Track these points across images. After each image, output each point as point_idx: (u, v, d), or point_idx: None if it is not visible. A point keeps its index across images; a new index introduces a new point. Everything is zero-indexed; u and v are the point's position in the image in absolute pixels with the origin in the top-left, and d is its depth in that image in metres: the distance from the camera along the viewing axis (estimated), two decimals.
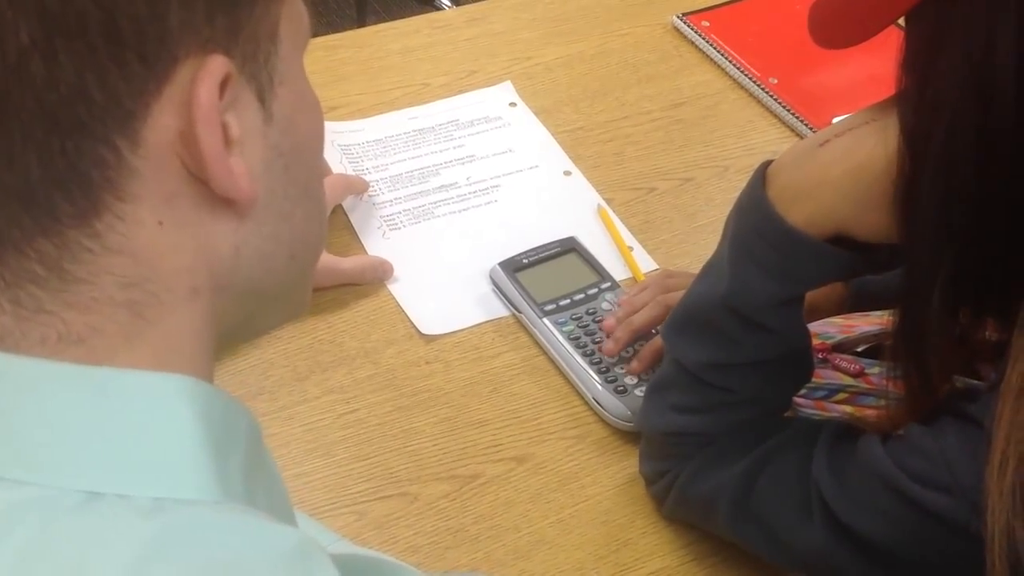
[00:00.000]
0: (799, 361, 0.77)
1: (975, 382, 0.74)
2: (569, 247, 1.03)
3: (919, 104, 0.63)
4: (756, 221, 0.72)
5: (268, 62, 0.43)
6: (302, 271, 0.50)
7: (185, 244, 0.42)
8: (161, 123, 0.40)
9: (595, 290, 0.99)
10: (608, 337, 0.93)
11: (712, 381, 0.75)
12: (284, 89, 0.44)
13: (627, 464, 0.89)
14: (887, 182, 0.65)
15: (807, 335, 0.76)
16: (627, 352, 0.93)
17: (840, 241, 0.70)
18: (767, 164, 0.73)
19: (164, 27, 0.39)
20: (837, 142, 0.69)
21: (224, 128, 0.41)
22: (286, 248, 0.47)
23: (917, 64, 0.63)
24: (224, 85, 0.40)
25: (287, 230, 0.47)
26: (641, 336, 0.93)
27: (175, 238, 0.42)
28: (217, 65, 0.40)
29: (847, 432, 0.73)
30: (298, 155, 0.46)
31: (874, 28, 0.64)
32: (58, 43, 0.37)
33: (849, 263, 0.70)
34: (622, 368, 0.93)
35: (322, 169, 0.50)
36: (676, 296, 0.91)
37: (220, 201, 0.42)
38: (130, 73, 0.38)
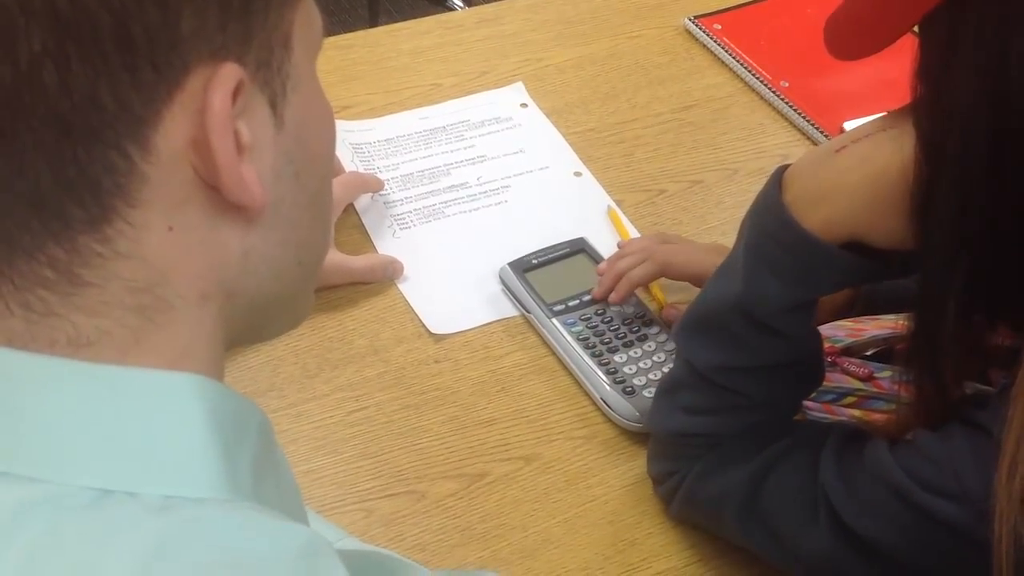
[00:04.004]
0: (811, 366, 0.77)
1: (986, 387, 0.74)
2: (578, 248, 1.04)
3: (934, 111, 0.63)
4: (771, 225, 0.72)
5: (281, 69, 0.43)
6: (308, 276, 0.50)
7: (194, 249, 0.42)
8: (173, 130, 0.40)
9: None
10: (600, 283, 0.98)
11: (723, 383, 0.76)
12: (296, 96, 0.44)
13: (634, 465, 0.89)
14: (903, 189, 0.65)
15: (819, 340, 0.77)
16: (636, 352, 0.94)
17: (855, 247, 0.70)
18: (783, 168, 0.73)
19: (176, 35, 0.38)
20: (854, 148, 0.69)
21: (236, 135, 0.41)
22: (294, 253, 0.47)
23: (931, 72, 0.64)
24: (236, 92, 0.40)
25: (295, 236, 0.47)
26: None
27: (184, 243, 0.42)
28: (230, 72, 0.40)
29: (855, 436, 0.73)
30: (309, 162, 0.46)
31: (888, 38, 0.65)
32: (71, 50, 0.37)
33: (864, 270, 0.70)
34: (631, 369, 0.93)
35: (332, 176, 0.50)
36: (671, 250, 0.97)
37: (230, 207, 0.42)
38: (142, 80, 0.38)
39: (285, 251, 0.47)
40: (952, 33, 0.62)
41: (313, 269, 0.51)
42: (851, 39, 0.68)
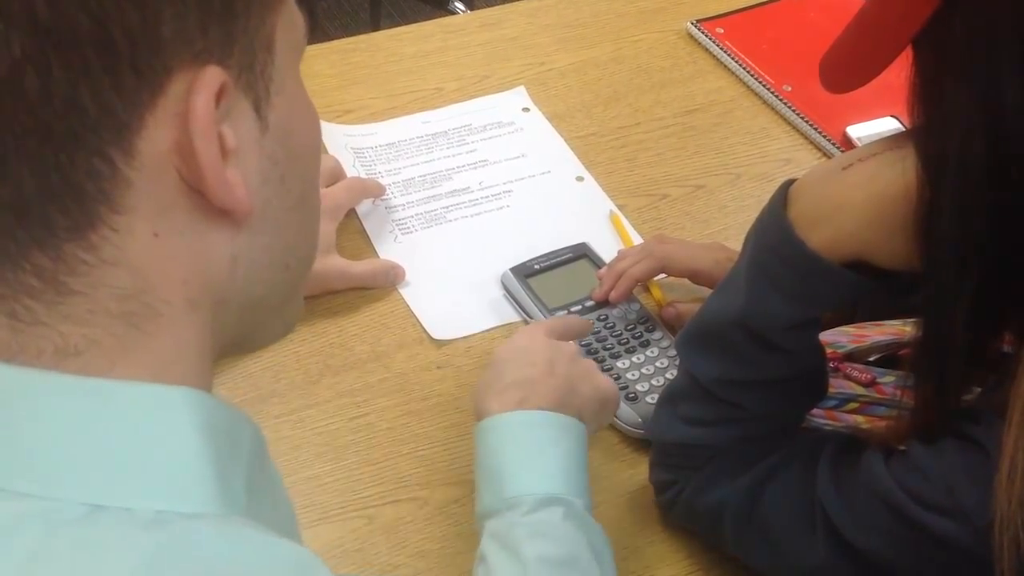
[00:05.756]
0: (812, 381, 0.77)
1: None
2: (581, 253, 1.03)
3: (931, 131, 0.64)
4: (775, 242, 0.71)
5: (264, 72, 0.43)
6: (296, 280, 0.50)
7: (181, 255, 0.42)
8: (156, 134, 0.40)
9: None
10: (600, 285, 0.98)
11: (724, 396, 0.75)
12: (280, 99, 0.44)
13: (636, 472, 0.89)
14: (907, 210, 0.65)
15: (822, 356, 0.76)
16: (639, 358, 0.94)
17: (858, 266, 0.69)
18: (789, 183, 0.73)
19: (157, 38, 0.38)
20: (860, 167, 0.69)
21: (220, 139, 0.41)
22: (281, 257, 0.47)
23: (925, 93, 0.64)
24: (220, 96, 0.40)
25: (282, 240, 0.47)
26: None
27: (170, 249, 0.42)
28: (212, 76, 0.40)
29: (851, 447, 0.73)
30: (294, 165, 0.46)
31: (877, 69, 0.66)
32: (51, 55, 0.37)
33: (867, 289, 0.70)
34: (634, 375, 0.93)
35: (318, 178, 0.50)
36: (671, 248, 0.98)
37: (216, 212, 0.42)
38: (123, 84, 0.38)
39: (272, 255, 0.46)
40: (941, 54, 0.62)
41: (302, 273, 0.51)
42: (845, 73, 0.69)
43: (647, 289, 1.02)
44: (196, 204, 0.42)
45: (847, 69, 0.69)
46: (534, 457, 0.75)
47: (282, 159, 0.45)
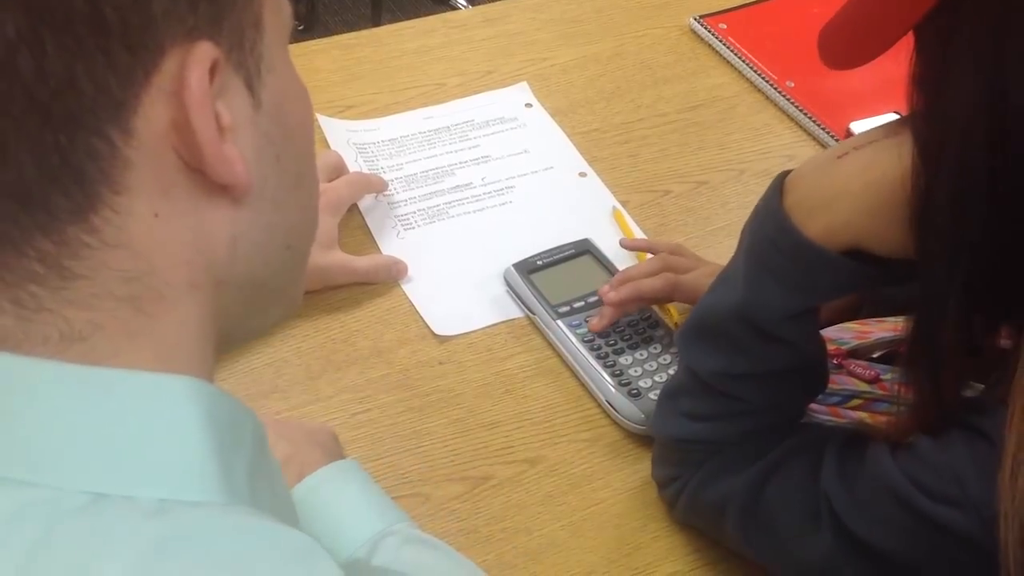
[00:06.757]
0: (813, 372, 0.77)
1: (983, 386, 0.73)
2: (584, 249, 1.03)
3: (931, 119, 0.63)
4: (772, 232, 0.71)
5: (254, 50, 0.44)
6: (297, 261, 0.51)
7: (182, 236, 0.42)
8: (153, 113, 0.40)
9: None
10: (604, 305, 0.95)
11: (725, 390, 0.75)
12: (271, 77, 0.45)
13: (640, 468, 0.89)
14: (904, 196, 0.65)
15: (822, 346, 0.76)
16: (641, 354, 0.93)
17: (856, 254, 0.69)
18: (785, 174, 0.73)
19: (148, 16, 0.39)
20: (856, 155, 0.69)
21: (216, 116, 0.41)
22: (281, 238, 0.47)
23: (927, 80, 0.64)
24: (213, 72, 0.41)
25: (281, 219, 0.47)
26: (643, 302, 0.96)
27: (172, 230, 0.42)
28: (204, 52, 0.40)
29: (856, 440, 0.73)
30: (289, 143, 0.46)
31: (882, 46, 0.65)
32: (45, 35, 0.37)
33: (865, 277, 0.70)
34: (637, 371, 0.93)
35: (313, 158, 0.51)
36: (684, 277, 0.95)
37: (216, 190, 0.43)
38: (118, 63, 0.38)
39: (272, 235, 0.47)
40: (946, 40, 0.61)
41: (302, 253, 0.51)
42: (845, 49, 0.69)
43: (662, 308, 1.01)
44: (196, 182, 0.42)
45: (848, 46, 0.68)
46: (339, 512, 0.73)
47: (277, 138, 0.45)
